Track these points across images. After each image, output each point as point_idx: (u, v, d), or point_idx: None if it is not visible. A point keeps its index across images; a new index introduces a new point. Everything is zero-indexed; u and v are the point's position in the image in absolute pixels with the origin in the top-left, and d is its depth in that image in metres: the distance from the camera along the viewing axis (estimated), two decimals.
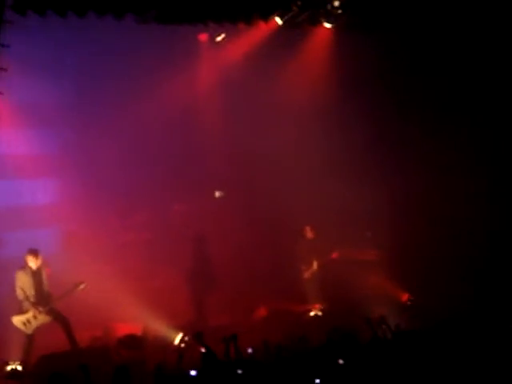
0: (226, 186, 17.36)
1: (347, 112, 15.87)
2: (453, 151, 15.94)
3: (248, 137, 15.95)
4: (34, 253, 12.55)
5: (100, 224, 15.25)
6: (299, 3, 13.69)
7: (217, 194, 17.42)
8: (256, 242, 16.59)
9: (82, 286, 12.73)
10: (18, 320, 12.30)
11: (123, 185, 15.62)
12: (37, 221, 14.99)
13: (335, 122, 16.00)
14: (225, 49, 15.87)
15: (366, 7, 14.16)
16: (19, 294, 12.36)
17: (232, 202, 17.16)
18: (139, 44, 14.40)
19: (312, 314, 15.24)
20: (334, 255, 15.95)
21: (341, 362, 9.84)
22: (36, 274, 12.52)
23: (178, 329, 13.35)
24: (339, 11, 13.98)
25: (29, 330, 12.32)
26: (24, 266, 12.52)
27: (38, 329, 12.40)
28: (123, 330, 13.43)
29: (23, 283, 12.39)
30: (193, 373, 9.56)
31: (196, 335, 10.62)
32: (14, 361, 11.99)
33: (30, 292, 12.40)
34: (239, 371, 9.51)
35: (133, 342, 12.82)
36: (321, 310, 15.26)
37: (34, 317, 12.33)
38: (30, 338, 12.33)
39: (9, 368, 11.92)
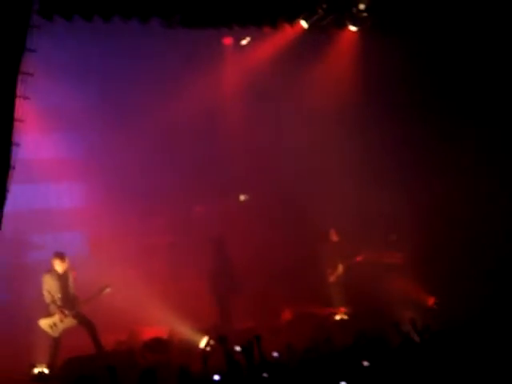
0: (249, 189, 17.37)
1: (370, 115, 15.83)
2: (473, 153, 15.91)
3: (272, 140, 15.98)
4: (61, 256, 12.64)
5: (124, 227, 15.28)
6: (324, 6, 13.62)
7: (241, 197, 17.42)
8: (280, 245, 16.55)
9: (107, 290, 12.81)
10: (44, 323, 12.38)
11: (147, 188, 15.68)
12: (63, 224, 15.11)
13: (358, 125, 15.96)
14: (249, 52, 15.84)
15: (392, 10, 14.08)
16: (46, 297, 12.46)
17: (255, 204, 17.18)
18: (164, 48, 14.49)
19: (337, 317, 15.16)
20: (359, 258, 15.90)
21: (365, 363, 9.78)
22: (62, 278, 12.60)
23: (204, 332, 13.32)
24: (364, 14, 13.92)
25: (55, 333, 12.39)
26: (50, 269, 12.61)
27: (64, 332, 12.47)
28: (149, 333, 13.51)
29: (50, 286, 12.47)
30: (216, 377, 9.54)
31: (220, 339, 10.61)
32: (41, 364, 12.09)
33: (57, 295, 12.46)
34: (265, 375, 9.47)
35: (158, 345, 12.79)
36: (346, 314, 15.19)
37: (61, 320, 12.40)
38: (57, 341, 12.40)
39: (36, 371, 12.01)
